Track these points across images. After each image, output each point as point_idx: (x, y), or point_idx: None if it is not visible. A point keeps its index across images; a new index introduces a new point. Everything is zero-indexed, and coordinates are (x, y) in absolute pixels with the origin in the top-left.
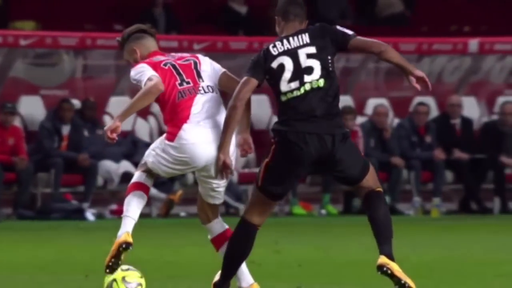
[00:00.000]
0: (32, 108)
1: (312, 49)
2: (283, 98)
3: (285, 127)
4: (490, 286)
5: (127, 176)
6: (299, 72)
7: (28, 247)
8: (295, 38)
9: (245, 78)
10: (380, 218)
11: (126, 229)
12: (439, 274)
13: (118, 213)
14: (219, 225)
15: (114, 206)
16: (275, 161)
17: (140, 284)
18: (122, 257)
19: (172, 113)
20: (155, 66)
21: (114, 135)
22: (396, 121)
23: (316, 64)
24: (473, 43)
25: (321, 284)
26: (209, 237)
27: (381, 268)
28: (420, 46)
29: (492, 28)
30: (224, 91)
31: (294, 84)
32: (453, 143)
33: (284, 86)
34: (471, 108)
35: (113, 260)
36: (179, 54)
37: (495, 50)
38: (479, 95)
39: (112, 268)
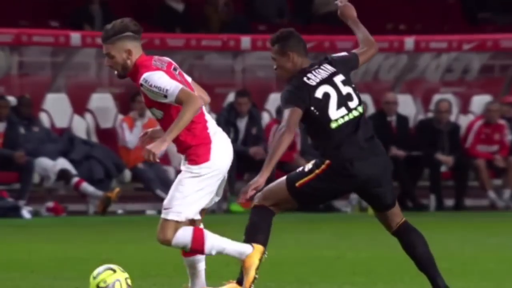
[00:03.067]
0: None
1: (342, 77)
2: (334, 125)
3: (341, 154)
4: (426, 282)
5: (63, 174)
6: (343, 99)
7: None
8: (321, 68)
9: (291, 108)
10: (424, 254)
11: (243, 246)
12: (376, 271)
13: (54, 211)
14: None
15: (50, 204)
16: (326, 178)
17: (111, 269)
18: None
19: (190, 129)
20: (173, 77)
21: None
22: None
23: (351, 90)
24: (409, 41)
25: (258, 281)
26: None
27: None
28: (356, 44)
29: (427, 27)
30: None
31: (342, 111)
32: (389, 140)
33: (333, 114)
34: (407, 106)
35: (257, 271)
36: (166, 59)
37: (430, 48)
38: (415, 93)
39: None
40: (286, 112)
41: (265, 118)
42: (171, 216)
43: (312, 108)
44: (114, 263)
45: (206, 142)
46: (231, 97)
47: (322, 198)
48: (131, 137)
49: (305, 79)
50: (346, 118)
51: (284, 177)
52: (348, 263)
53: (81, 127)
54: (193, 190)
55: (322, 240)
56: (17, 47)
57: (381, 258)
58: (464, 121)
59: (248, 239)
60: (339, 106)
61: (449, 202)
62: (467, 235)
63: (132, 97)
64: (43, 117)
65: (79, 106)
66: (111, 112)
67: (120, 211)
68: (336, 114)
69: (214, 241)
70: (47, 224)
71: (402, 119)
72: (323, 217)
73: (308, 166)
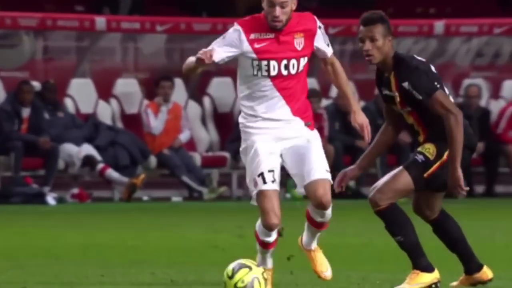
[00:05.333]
0: None
1: None
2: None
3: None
4: (455, 269)
5: (88, 160)
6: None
7: None
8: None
9: (438, 92)
10: (461, 239)
11: None
12: (405, 259)
13: (79, 197)
14: None
15: (75, 190)
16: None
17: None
18: None
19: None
20: None
21: None
22: (361, 104)
23: None
24: (439, 25)
25: (282, 269)
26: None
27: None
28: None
29: (457, 10)
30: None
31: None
32: None
33: (447, 91)
34: None
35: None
36: None
37: (460, 32)
38: (444, 78)
39: None
40: (439, 99)
41: None
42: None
43: (438, 85)
44: (140, 250)
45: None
46: None
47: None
48: (156, 123)
49: (415, 56)
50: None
51: (400, 172)
52: (376, 251)
53: (106, 112)
54: None
55: (349, 227)
56: (42, 32)
57: None
58: (495, 106)
59: (396, 234)
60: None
61: (479, 189)
62: (497, 223)
63: (156, 82)
64: (68, 103)
65: (104, 92)
66: (137, 97)
67: (145, 198)
68: (447, 91)
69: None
70: (72, 211)
71: None
72: (350, 204)
73: (426, 155)
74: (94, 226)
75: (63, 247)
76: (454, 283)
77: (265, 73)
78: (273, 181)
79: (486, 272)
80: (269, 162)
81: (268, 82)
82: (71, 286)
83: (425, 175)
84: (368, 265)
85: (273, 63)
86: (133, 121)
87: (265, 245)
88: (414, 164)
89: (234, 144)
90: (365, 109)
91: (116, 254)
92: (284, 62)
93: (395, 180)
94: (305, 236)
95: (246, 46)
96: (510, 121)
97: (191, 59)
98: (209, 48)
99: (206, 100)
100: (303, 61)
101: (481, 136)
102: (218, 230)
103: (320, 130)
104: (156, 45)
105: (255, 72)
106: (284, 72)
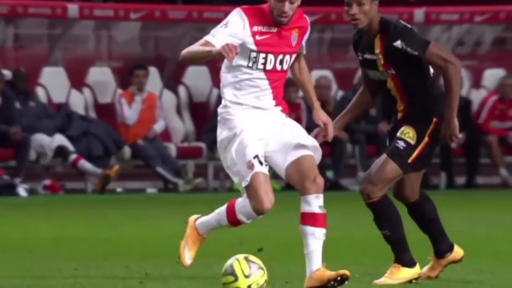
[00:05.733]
0: None
1: None
2: (432, 71)
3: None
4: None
5: (60, 150)
6: None
7: None
8: None
9: (432, 44)
10: (437, 220)
11: None
12: (385, 252)
13: (51, 189)
14: None
15: (47, 181)
16: (435, 137)
17: (262, 268)
18: None
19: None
20: None
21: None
22: (340, 93)
23: None
24: (419, 13)
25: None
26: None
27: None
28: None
29: None
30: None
31: None
32: None
33: None
34: None
35: None
36: None
37: (441, 20)
38: None
39: None
40: (435, 50)
41: None
42: None
43: None
44: (113, 243)
45: None
46: None
47: (431, 157)
48: (130, 112)
49: (401, 21)
50: None
51: (386, 161)
52: (356, 243)
53: (79, 102)
54: None
55: (328, 220)
56: (12, 19)
57: None
58: (476, 95)
59: (383, 228)
60: None
61: (460, 180)
62: (478, 214)
63: (130, 71)
64: (40, 92)
65: (77, 81)
66: (110, 86)
67: (119, 189)
68: None
69: None
70: (44, 203)
71: None
72: (329, 196)
73: (407, 140)
74: (67, 218)
75: (35, 239)
76: (424, 269)
77: (261, 66)
78: (266, 165)
79: (458, 251)
80: (259, 146)
81: (261, 75)
82: (44, 280)
83: (409, 161)
84: (347, 258)
85: (270, 56)
86: (106, 111)
87: (235, 224)
88: (396, 151)
89: (210, 134)
90: (343, 99)
91: (89, 246)
92: (280, 57)
93: (382, 169)
94: (307, 264)
95: (248, 37)
96: (492, 111)
97: (199, 48)
98: (215, 36)
99: (182, 90)
100: (294, 57)
101: (462, 127)
102: None
103: (298, 121)
104: (130, 33)
105: (250, 64)
106: (278, 67)
